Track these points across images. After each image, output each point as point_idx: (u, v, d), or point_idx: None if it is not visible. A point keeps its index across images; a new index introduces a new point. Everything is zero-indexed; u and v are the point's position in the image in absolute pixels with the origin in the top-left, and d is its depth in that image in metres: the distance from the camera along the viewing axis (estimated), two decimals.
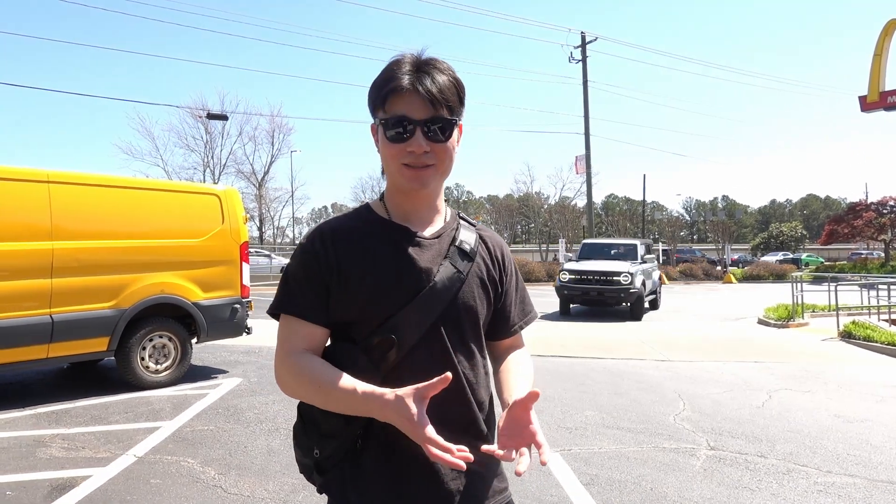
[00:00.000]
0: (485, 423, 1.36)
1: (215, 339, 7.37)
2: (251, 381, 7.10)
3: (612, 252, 16.11)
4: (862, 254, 44.16)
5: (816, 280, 20.36)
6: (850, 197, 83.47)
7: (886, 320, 11.89)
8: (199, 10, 77.08)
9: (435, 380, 1.14)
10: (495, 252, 1.45)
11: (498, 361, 1.46)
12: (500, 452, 1.15)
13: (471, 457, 1.11)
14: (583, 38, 30.38)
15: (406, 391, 1.16)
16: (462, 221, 1.44)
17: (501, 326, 1.46)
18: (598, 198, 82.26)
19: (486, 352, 1.46)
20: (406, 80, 1.25)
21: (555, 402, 6.13)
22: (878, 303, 13.29)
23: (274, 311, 1.34)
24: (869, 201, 38.28)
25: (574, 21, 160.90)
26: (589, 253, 16.19)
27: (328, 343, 1.35)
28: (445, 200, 1.47)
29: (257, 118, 42.62)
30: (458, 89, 1.31)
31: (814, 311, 14.14)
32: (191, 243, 6.96)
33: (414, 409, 1.14)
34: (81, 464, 4.36)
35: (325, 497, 1.34)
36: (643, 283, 14.48)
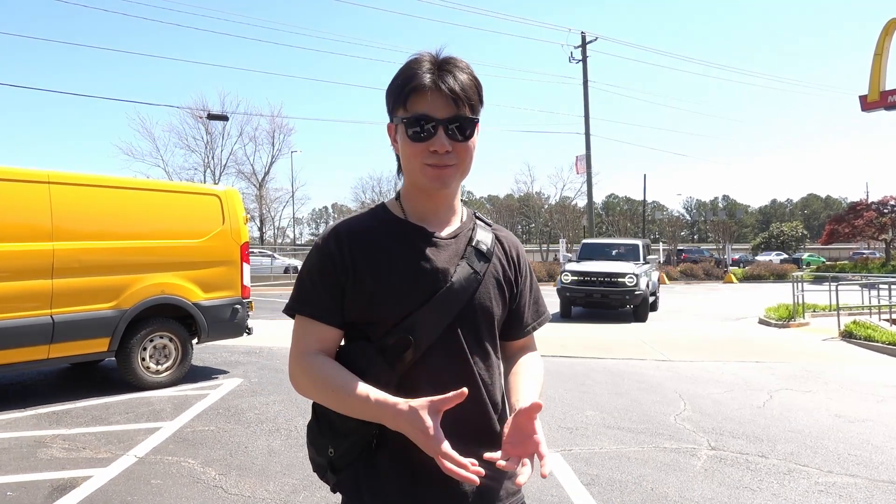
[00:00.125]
0: (498, 423, 1.36)
1: (216, 339, 7.37)
2: (252, 381, 7.10)
3: (614, 252, 15.67)
4: (864, 253, 44.13)
5: (817, 280, 20.35)
6: (850, 196, 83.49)
7: (887, 320, 11.88)
8: (199, 11, 77.17)
9: (451, 394, 1.14)
10: (511, 252, 1.44)
11: (509, 363, 1.45)
12: (503, 463, 1.15)
13: (482, 471, 1.12)
14: (583, 38, 30.36)
15: (421, 403, 1.16)
16: (478, 221, 1.44)
17: (515, 327, 1.45)
18: (599, 198, 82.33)
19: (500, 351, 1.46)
20: (428, 78, 1.25)
21: (555, 402, 6.12)
22: (878, 302, 13.27)
23: (289, 311, 1.34)
24: (870, 201, 38.24)
25: (574, 21, 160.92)
26: (589, 253, 15.71)
27: (344, 342, 1.35)
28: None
29: (258, 118, 42.61)
30: (478, 88, 1.31)
31: (815, 311, 14.13)
32: (191, 244, 6.96)
33: (429, 421, 1.14)
34: (82, 464, 4.36)
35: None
36: (647, 285, 14.08)
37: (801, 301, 13.27)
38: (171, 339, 6.88)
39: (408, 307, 1.27)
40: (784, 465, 4.38)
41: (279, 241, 51.88)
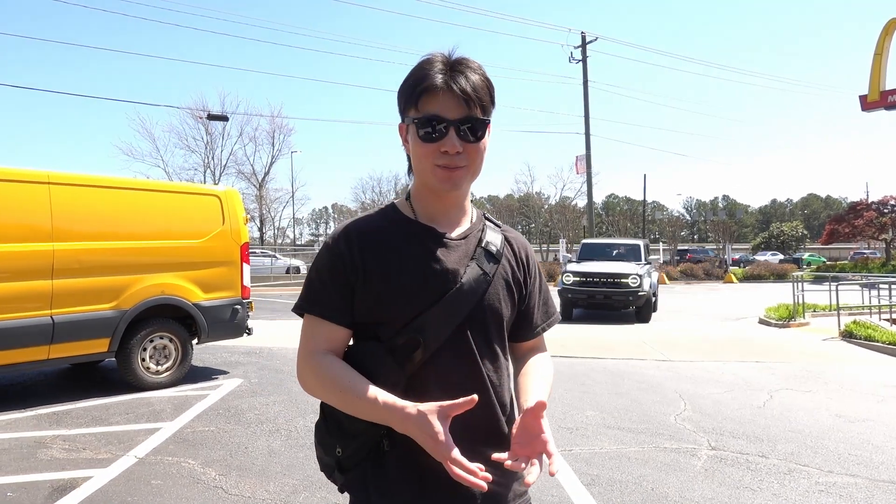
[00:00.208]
0: (506, 424, 1.36)
1: (216, 339, 7.37)
2: (252, 381, 7.10)
3: (614, 252, 15.31)
4: (864, 253, 44.11)
5: (817, 280, 20.35)
6: (850, 196, 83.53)
7: (888, 320, 11.87)
8: (199, 11, 77.17)
9: (461, 400, 1.15)
10: (520, 253, 1.44)
11: (519, 364, 1.45)
12: (509, 462, 1.15)
13: (490, 477, 1.12)
14: (583, 38, 30.37)
15: (430, 408, 1.16)
16: (488, 222, 1.44)
17: (524, 328, 1.45)
18: (599, 198, 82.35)
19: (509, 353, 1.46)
20: (440, 78, 1.25)
21: (555, 402, 6.12)
22: (879, 302, 13.27)
23: (298, 310, 1.34)
24: (870, 201, 38.21)
25: (574, 21, 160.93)
26: (589, 254, 15.30)
27: (352, 342, 1.35)
28: None
29: (258, 119, 42.62)
30: (489, 89, 1.30)
31: (815, 311, 14.12)
32: (191, 244, 6.96)
33: (438, 426, 1.14)
34: (82, 465, 4.36)
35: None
36: (650, 285, 13.78)
37: (801, 301, 13.27)
38: (171, 340, 6.87)
39: (417, 308, 1.27)
40: (784, 465, 4.37)
41: (279, 241, 51.90)
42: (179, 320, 6.96)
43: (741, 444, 4.84)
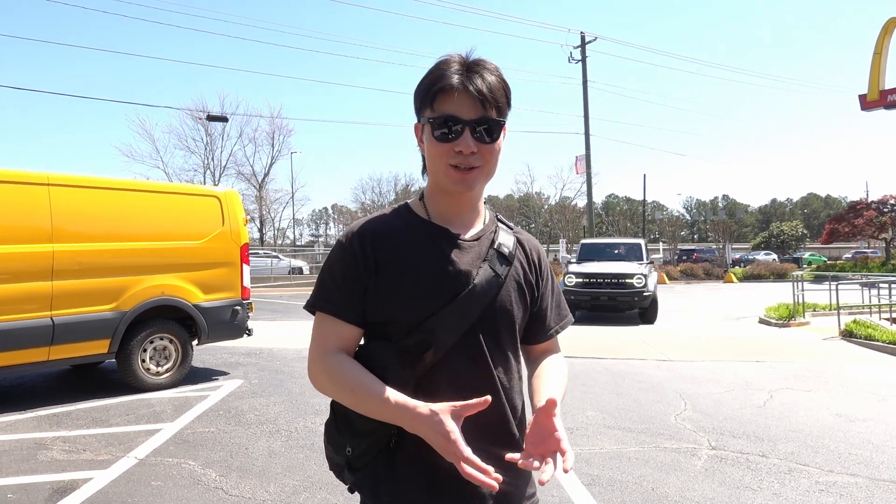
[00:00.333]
0: (517, 428, 1.36)
1: (216, 340, 7.37)
2: (252, 382, 7.10)
3: (615, 252, 14.97)
4: (866, 252, 44.11)
5: (817, 279, 20.36)
6: (850, 196, 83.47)
7: (888, 319, 11.87)
8: (199, 12, 77.23)
9: (474, 401, 1.15)
10: (532, 256, 1.44)
11: (533, 366, 1.45)
12: (521, 461, 1.15)
13: (500, 477, 1.12)
14: (582, 38, 30.37)
15: (442, 408, 1.16)
16: (500, 224, 1.44)
17: (537, 330, 1.45)
18: (599, 198, 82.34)
19: (521, 355, 1.46)
20: (456, 79, 1.25)
21: None
22: (879, 302, 13.27)
23: (310, 308, 1.35)
24: (869, 200, 38.26)
25: (573, 21, 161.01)
26: (589, 254, 14.95)
27: (363, 341, 1.35)
28: None
29: (257, 120, 42.76)
30: (506, 91, 1.31)
31: (815, 311, 14.12)
32: (191, 245, 6.96)
33: (450, 426, 1.14)
34: (82, 466, 4.36)
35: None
36: (654, 285, 13.43)
37: (801, 300, 13.27)
38: (171, 341, 6.87)
39: (429, 308, 1.27)
40: (785, 465, 4.37)
41: (279, 242, 51.90)
42: (179, 321, 6.96)
43: (741, 444, 4.84)
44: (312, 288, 1.38)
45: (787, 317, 12.89)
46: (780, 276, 29.75)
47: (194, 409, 5.87)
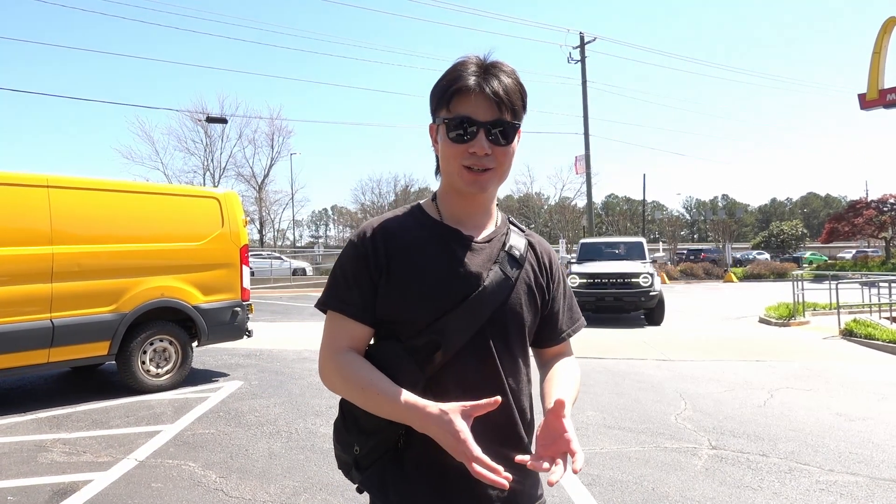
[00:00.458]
0: (525, 431, 1.36)
1: (216, 342, 7.36)
2: (252, 384, 7.10)
3: (616, 251, 14.56)
4: (866, 251, 44.08)
5: (817, 278, 20.36)
6: (850, 195, 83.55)
7: (888, 318, 11.87)
8: (198, 14, 77.21)
9: (484, 402, 1.16)
10: (543, 259, 1.44)
11: (545, 369, 1.45)
12: (530, 462, 1.15)
13: (510, 476, 1.12)
14: (581, 38, 30.37)
15: (452, 407, 1.16)
16: (512, 227, 1.44)
17: (549, 334, 1.45)
18: (599, 198, 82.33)
19: (533, 359, 1.46)
20: (472, 80, 1.25)
21: None
22: (879, 301, 13.27)
23: (321, 307, 1.36)
24: (869, 199, 38.21)
25: (573, 21, 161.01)
26: (590, 253, 14.49)
27: (373, 341, 1.35)
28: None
29: (257, 121, 42.75)
30: (522, 94, 1.31)
31: (815, 310, 14.12)
32: (191, 247, 6.96)
33: (460, 425, 1.14)
34: (82, 468, 4.36)
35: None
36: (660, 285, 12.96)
37: (801, 300, 13.27)
38: (171, 343, 6.87)
39: (439, 310, 1.27)
40: (785, 464, 4.37)
41: (279, 243, 51.92)
42: (179, 323, 6.95)
43: (742, 444, 4.84)
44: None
45: (787, 316, 12.89)
46: (780, 276, 29.74)
47: (194, 411, 5.87)
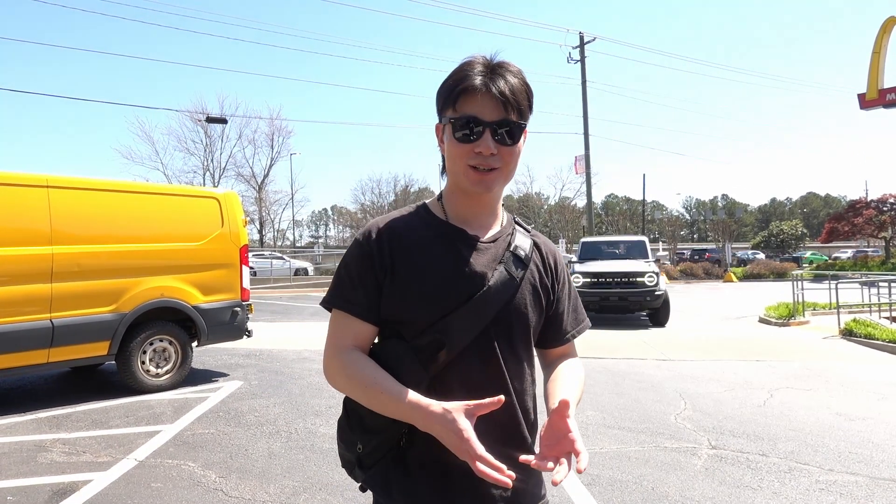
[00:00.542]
0: (528, 431, 1.36)
1: (216, 342, 7.36)
2: (252, 384, 7.09)
3: (617, 250, 14.22)
4: (867, 251, 44.06)
5: (817, 278, 20.37)
6: (850, 195, 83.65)
7: (888, 318, 11.87)
8: (198, 14, 77.23)
9: (487, 401, 1.16)
10: (548, 259, 1.44)
11: (549, 370, 1.45)
12: (534, 462, 1.15)
13: (513, 475, 1.12)
14: (581, 38, 30.37)
15: (456, 406, 1.16)
16: (517, 227, 1.44)
17: (554, 334, 1.45)
18: (598, 198, 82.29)
19: (538, 360, 1.46)
20: (479, 80, 1.26)
21: None
22: (878, 300, 13.27)
23: (326, 305, 1.35)
24: (869, 199, 38.20)
25: (572, 21, 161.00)
26: (591, 253, 14.19)
27: (378, 339, 1.35)
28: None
29: (257, 121, 42.74)
30: (528, 94, 1.31)
31: (814, 310, 14.13)
32: (190, 247, 6.96)
33: (463, 424, 1.14)
34: (82, 468, 4.36)
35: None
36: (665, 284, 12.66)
37: (801, 299, 13.27)
38: (170, 343, 6.87)
39: (443, 309, 1.27)
40: (785, 464, 4.37)
41: (279, 243, 51.91)
42: (179, 323, 6.95)
43: (741, 443, 4.84)
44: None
45: (786, 316, 12.89)
46: (780, 276, 29.75)
47: (194, 411, 5.87)
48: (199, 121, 38.05)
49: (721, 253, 40.13)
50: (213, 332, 7.07)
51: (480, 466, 1.11)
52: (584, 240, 16.02)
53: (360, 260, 1.32)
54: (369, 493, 1.37)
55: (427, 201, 1.42)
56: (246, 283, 7.40)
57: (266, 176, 44.68)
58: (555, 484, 1.12)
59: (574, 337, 1.48)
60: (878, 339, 9.68)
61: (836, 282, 12.86)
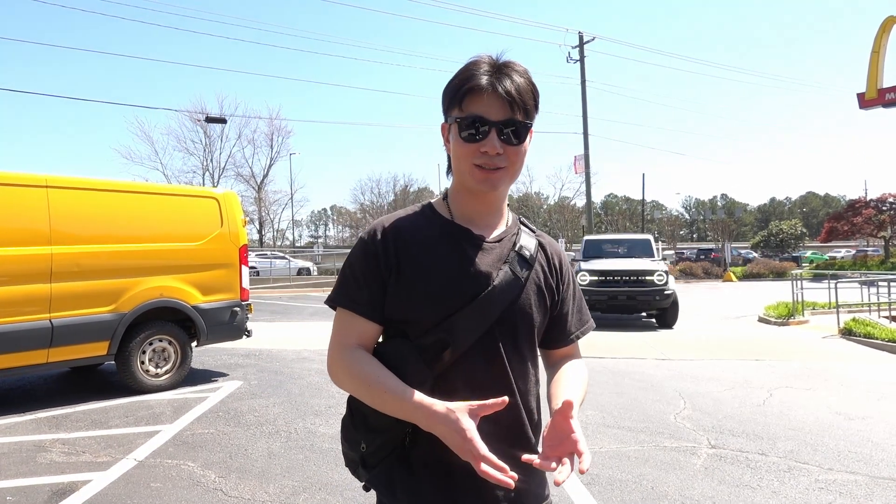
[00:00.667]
0: (532, 432, 1.36)
1: (215, 342, 7.36)
2: (251, 384, 7.09)
3: (623, 249, 13.78)
4: (867, 250, 44.07)
5: (816, 277, 20.37)
6: (849, 194, 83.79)
7: (887, 317, 11.88)
8: (197, 14, 77.17)
9: (491, 401, 1.16)
10: (553, 259, 1.44)
11: (552, 370, 1.44)
12: (537, 461, 1.15)
13: (516, 476, 1.12)
14: (580, 37, 30.37)
15: (459, 406, 1.16)
16: (523, 227, 1.44)
17: (558, 335, 1.45)
18: (598, 197, 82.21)
19: (542, 360, 1.46)
20: (485, 80, 1.26)
21: None
22: (878, 300, 13.28)
23: (331, 304, 1.36)
24: (868, 198, 38.21)
25: (571, 21, 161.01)
26: (595, 251, 13.73)
27: (382, 339, 1.35)
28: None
29: (256, 121, 42.72)
30: (534, 93, 1.31)
31: (814, 309, 14.14)
32: (190, 247, 6.95)
33: (466, 424, 1.14)
34: (82, 468, 4.36)
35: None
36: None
37: (800, 299, 13.28)
38: (170, 343, 6.87)
39: (448, 308, 1.27)
40: (784, 463, 4.37)
41: (279, 243, 51.90)
42: (178, 323, 6.95)
43: (741, 443, 4.84)
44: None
45: (786, 315, 12.90)
46: (780, 275, 29.76)
47: (193, 411, 5.87)
48: (199, 121, 38.05)
49: (715, 252, 40.24)
50: (212, 332, 7.07)
51: (483, 467, 1.11)
52: (587, 237, 15.51)
53: (366, 259, 1.32)
54: (371, 493, 1.37)
55: (432, 200, 1.42)
56: (245, 283, 7.40)
57: (265, 176, 44.70)
58: (557, 484, 1.12)
59: (578, 338, 1.48)
60: (877, 339, 9.69)
61: (835, 281, 12.87)
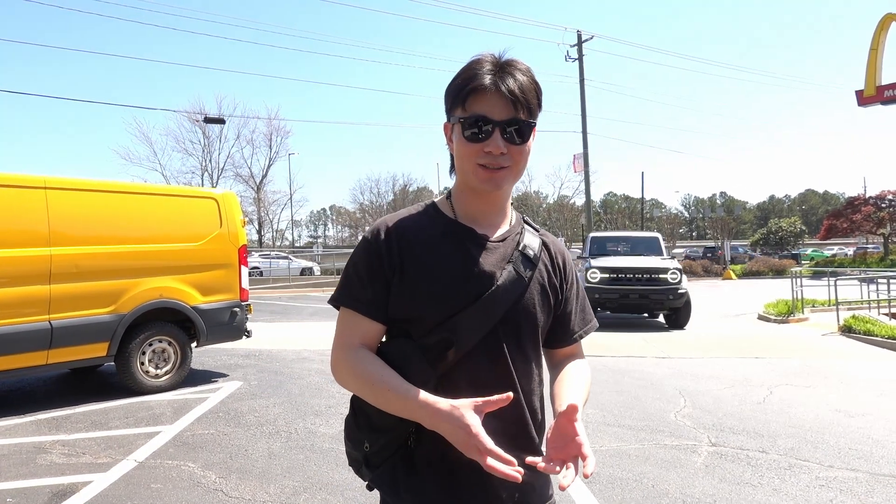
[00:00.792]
0: (536, 432, 1.36)
1: (215, 342, 7.35)
2: (251, 384, 7.09)
3: (630, 247, 13.42)
4: (867, 248, 44.08)
5: (816, 275, 20.37)
6: (848, 191, 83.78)
7: (886, 314, 11.89)
8: (195, 14, 77.13)
9: (495, 398, 1.15)
10: (557, 259, 1.44)
11: (556, 370, 1.44)
12: (542, 465, 1.14)
13: (522, 470, 1.12)
14: (579, 36, 30.35)
15: (464, 403, 1.16)
16: (526, 226, 1.43)
17: (562, 334, 1.44)
18: (597, 196, 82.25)
19: (544, 360, 1.45)
20: (488, 79, 1.25)
21: None
22: (877, 297, 13.28)
23: (334, 303, 1.35)
24: (867, 195, 38.21)
25: (570, 20, 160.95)
26: (601, 249, 13.34)
27: (385, 338, 1.35)
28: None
29: (255, 121, 42.70)
30: (537, 92, 1.31)
31: (813, 306, 14.14)
32: (189, 247, 6.95)
33: (471, 420, 1.14)
34: (82, 469, 4.35)
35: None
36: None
37: (799, 296, 13.28)
38: (169, 343, 6.86)
39: (452, 308, 1.27)
40: (785, 461, 4.37)
41: (278, 243, 51.87)
42: (178, 323, 6.94)
43: (741, 440, 4.84)
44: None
45: (785, 313, 12.91)
46: (779, 273, 29.78)
47: (194, 412, 5.86)
48: (198, 121, 38.03)
49: (732, 250, 40.25)
50: (212, 332, 7.06)
51: (490, 461, 1.10)
52: (592, 234, 15.07)
53: (369, 258, 1.31)
54: (374, 493, 1.36)
55: (436, 200, 1.41)
56: (245, 284, 7.39)
57: (264, 176, 44.67)
58: (562, 489, 1.11)
59: (581, 337, 1.47)
60: (877, 336, 9.69)
61: (834, 278, 12.88)
